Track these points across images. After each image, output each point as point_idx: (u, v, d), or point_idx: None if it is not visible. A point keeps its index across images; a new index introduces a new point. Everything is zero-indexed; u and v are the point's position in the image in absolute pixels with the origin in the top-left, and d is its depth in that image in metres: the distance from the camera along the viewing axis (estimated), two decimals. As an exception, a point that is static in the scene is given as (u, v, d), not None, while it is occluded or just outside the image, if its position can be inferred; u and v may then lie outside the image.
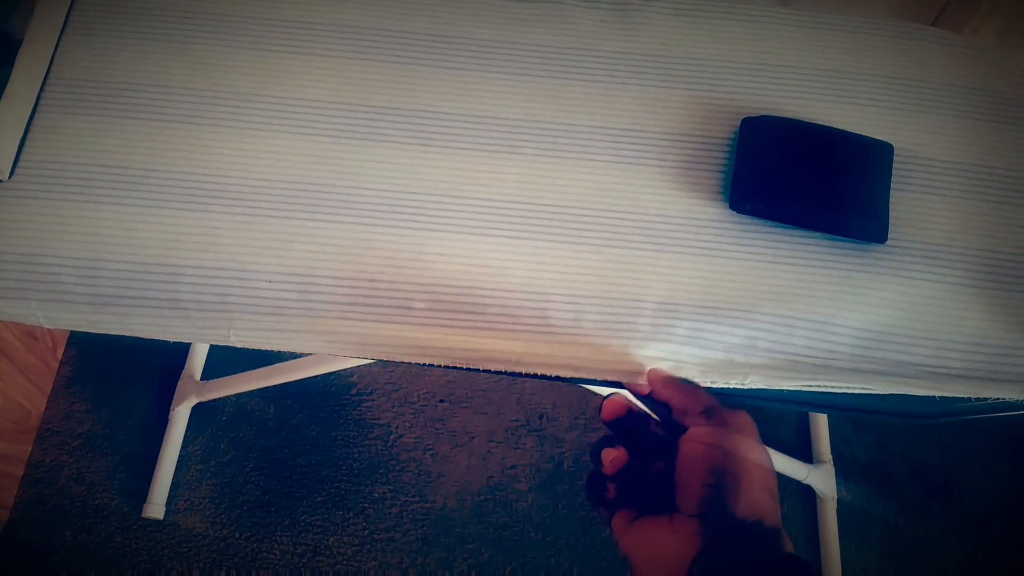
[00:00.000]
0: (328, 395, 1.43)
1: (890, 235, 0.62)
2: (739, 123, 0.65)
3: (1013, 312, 0.60)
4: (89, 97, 0.65)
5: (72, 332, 1.46)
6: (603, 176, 0.64)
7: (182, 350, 1.43)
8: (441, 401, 1.44)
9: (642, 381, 0.57)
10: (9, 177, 0.61)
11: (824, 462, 1.38)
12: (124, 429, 1.39)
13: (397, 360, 0.58)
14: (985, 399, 0.58)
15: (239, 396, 1.38)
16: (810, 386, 0.58)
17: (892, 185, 0.63)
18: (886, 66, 0.69)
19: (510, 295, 0.59)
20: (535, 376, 0.59)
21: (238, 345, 0.59)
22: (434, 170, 0.63)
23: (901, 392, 0.57)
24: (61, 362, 1.43)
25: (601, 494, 0.53)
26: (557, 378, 0.59)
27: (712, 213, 0.63)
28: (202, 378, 1.41)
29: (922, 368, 0.58)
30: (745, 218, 0.62)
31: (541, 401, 1.45)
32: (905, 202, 0.64)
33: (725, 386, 0.58)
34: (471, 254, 0.60)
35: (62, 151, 0.63)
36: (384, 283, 0.59)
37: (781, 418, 1.45)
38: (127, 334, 0.59)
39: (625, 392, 0.57)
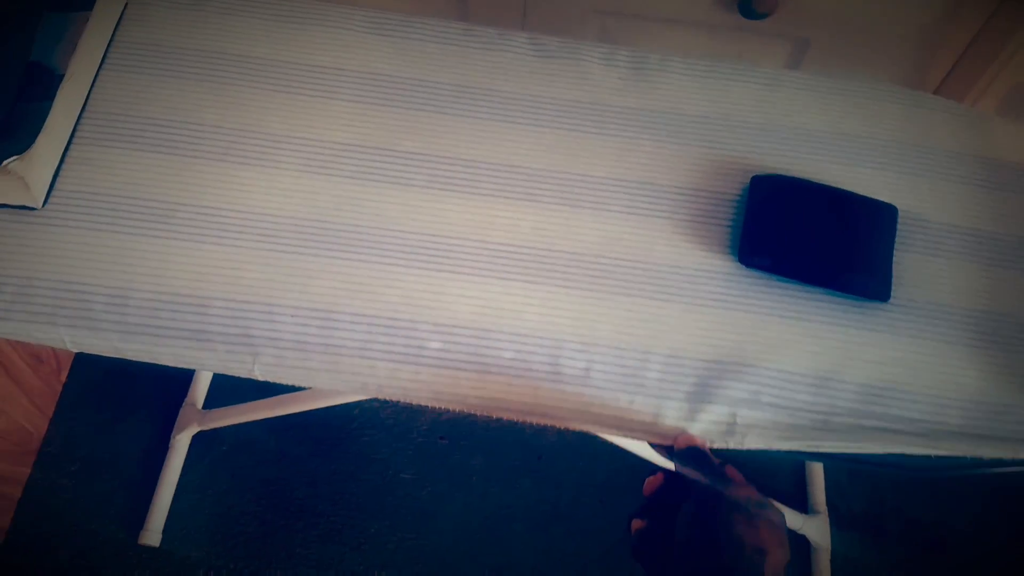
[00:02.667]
0: (329, 428, 1.44)
1: (893, 294, 0.64)
2: (749, 180, 0.67)
3: (1010, 372, 0.62)
4: (123, 131, 0.67)
5: (77, 355, 1.47)
6: (617, 226, 0.66)
7: (185, 378, 1.44)
8: (441, 438, 1.45)
9: (658, 440, 0.59)
10: (43, 205, 0.64)
11: (819, 512, 1.38)
12: (124, 455, 1.39)
13: (414, 403, 0.60)
14: (979, 459, 0.59)
15: (240, 426, 1.38)
16: (808, 448, 0.59)
17: (896, 246, 0.66)
18: (893, 131, 0.72)
19: (523, 339, 0.61)
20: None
21: (261, 379, 0.60)
22: (455, 214, 0.65)
23: (898, 452, 0.59)
24: (65, 385, 1.44)
25: (644, 558, 0.54)
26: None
27: (721, 266, 0.65)
28: (204, 407, 1.41)
29: (921, 424, 0.60)
30: (753, 272, 0.64)
31: (540, 443, 1.45)
32: (908, 262, 0.66)
33: (724, 447, 0.59)
34: (487, 296, 0.62)
35: (95, 182, 0.65)
36: (403, 322, 0.61)
37: (776, 467, 1.46)
38: (152, 362, 0.61)
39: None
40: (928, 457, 0.60)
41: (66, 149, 0.66)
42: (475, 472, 1.43)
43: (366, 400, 1.40)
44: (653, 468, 0.58)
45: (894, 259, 0.65)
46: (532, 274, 0.64)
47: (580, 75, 0.73)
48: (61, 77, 0.65)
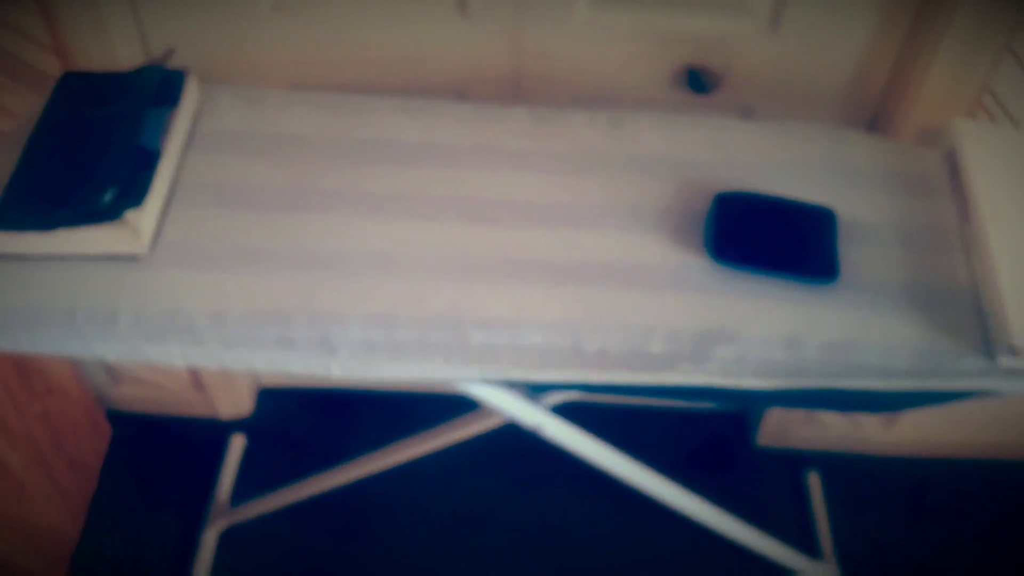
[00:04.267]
0: (348, 513, 1.51)
1: (840, 275, 0.80)
2: (713, 198, 0.84)
3: (938, 326, 0.77)
4: (205, 197, 0.83)
5: (107, 460, 1.55)
6: (614, 240, 0.82)
7: (211, 476, 1.53)
8: (455, 517, 1.53)
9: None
10: (148, 253, 0.78)
11: (826, 558, 1.46)
12: (155, 556, 1.45)
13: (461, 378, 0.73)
14: (926, 390, 0.74)
15: (266, 519, 1.45)
16: (788, 385, 0.73)
17: (839, 240, 0.82)
18: (822, 156, 0.91)
19: (551, 326, 0.76)
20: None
21: (338, 375, 0.74)
22: (483, 240, 0.81)
23: (860, 387, 0.73)
24: (96, 491, 1.51)
25: None
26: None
27: (700, 263, 0.81)
28: (231, 503, 1.49)
29: (875, 367, 0.74)
30: (725, 266, 0.80)
31: (551, 511, 1.54)
32: (850, 252, 0.82)
33: (721, 384, 0.73)
34: (517, 298, 0.77)
35: (188, 234, 0.80)
36: (449, 320, 0.75)
37: (782, 516, 1.56)
38: (249, 368, 0.74)
39: None
40: (887, 393, 0.74)
41: (165, 210, 0.81)
42: (492, 550, 1.50)
43: (381, 477, 1.48)
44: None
45: (839, 250, 0.82)
46: (551, 278, 0.79)
47: (570, 134, 0.91)
48: (159, 155, 0.81)
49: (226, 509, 1.48)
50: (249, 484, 1.52)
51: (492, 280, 0.78)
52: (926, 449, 1.65)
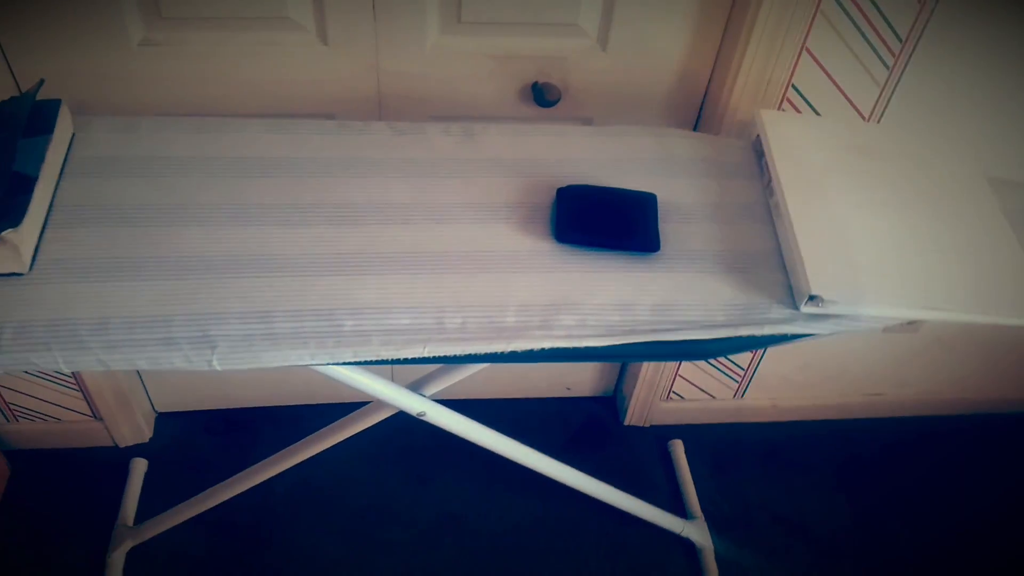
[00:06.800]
0: (252, 521, 1.55)
1: (661, 248, 0.92)
2: (555, 191, 0.96)
3: (748, 284, 0.90)
4: (84, 216, 0.89)
5: (4, 497, 1.54)
6: (469, 232, 0.92)
7: (114, 502, 1.54)
8: (355, 515, 1.59)
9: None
10: (30, 271, 0.83)
11: (697, 517, 1.60)
12: (58, 585, 1.45)
13: (336, 362, 0.81)
14: (740, 337, 0.86)
15: (173, 536, 1.48)
16: (622, 341, 0.84)
17: (660, 219, 0.94)
18: (648, 152, 1.03)
19: (414, 309, 0.84)
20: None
21: (220, 368, 0.80)
22: (350, 239, 0.90)
23: (686, 338, 0.85)
24: (-9, 530, 1.50)
25: None
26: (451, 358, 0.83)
27: (545, 246, 0.91)
28: (135, 523, 1.51)
29: (697, 323, 0.86)
30: (567, 246, 0.91)
31: (445, 501, 1.62)
32: (670, 229, 0.95)
33: (567, 346, 0.83)
34: (384, 287, 0.85)
35: (68, 251, 0.85)
36: (323, 311, 0.83)
37: (654, 483, 1.69)
38: (132, 368, 0.80)
39: None
40: (709, 341, 0.86)
41: (42, 230, 0.86)
42: (398, 543, 1.57)
43: (282, 486, 1.53)
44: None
45: (660, 228, 0.94)
46: (414, 268, 0.88)
47: (427, 143, 1.01)
48: (35, 179, 0.86)
49: (131, 529, 1.50)
50: (153, 505, 1.54)
51: (361, 273, 0.87)
52: (774, 414, 1.84)
